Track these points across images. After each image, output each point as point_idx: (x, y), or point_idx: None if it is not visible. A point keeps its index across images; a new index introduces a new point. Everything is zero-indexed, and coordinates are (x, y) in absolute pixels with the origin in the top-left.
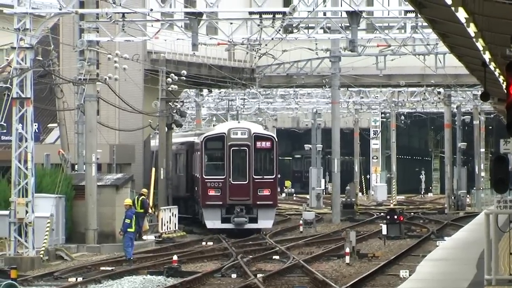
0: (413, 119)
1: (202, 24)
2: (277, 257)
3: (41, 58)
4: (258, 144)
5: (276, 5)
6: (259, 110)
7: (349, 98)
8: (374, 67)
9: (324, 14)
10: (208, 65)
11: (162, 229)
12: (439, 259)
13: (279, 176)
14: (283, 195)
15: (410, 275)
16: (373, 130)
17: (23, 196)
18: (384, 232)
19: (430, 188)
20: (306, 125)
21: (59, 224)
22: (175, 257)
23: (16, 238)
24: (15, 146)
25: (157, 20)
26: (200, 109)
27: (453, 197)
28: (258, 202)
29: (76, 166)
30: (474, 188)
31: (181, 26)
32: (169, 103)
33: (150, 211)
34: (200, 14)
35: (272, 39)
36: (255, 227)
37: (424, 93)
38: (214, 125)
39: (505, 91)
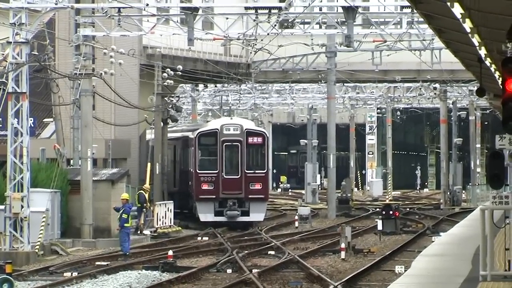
0: (409, 115)
1: (198, 19)
2: (272, 252)
3: (36, 53)
4: (250, 139)
5: (272, 0)
6: (254, 105)
7: (345, 93)
8: (370, 62)
9: (320, 9)
10: (204, 60)
11: (157, 224)
12: (434, 255)
13: (274, 171)
14: (279, 190)
15: (405, 270)
16: (369, 126)
17: (18, 191)
18: (380, 227)
19: (426, 183)
20: (302, 120)
21: (54, 219)
22: (170, 252)
23: (12, 233)
24: (11, 140)
25: (153, 15)
26: (195, 104)
27: (448, 193)
28: (250, 196)
29: (71, 161)
30: (470, 184)
31: (177, 21)
32: (165, 98)
33: (146, 205)
34: (196, 9)
35: (268, 34)
36: (247, 220)
37: (420, 88)
38: (207, 121)
39: (501, 86)
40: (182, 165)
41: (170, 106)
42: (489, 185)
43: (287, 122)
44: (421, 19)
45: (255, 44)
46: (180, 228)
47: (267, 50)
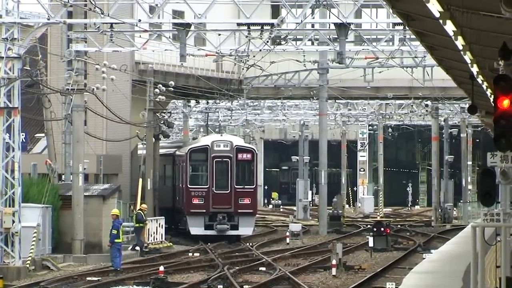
0: (401, 132)
1: (190, 35)
2: (263, 268)
3: (29, 68)
4: (240, 156)
5: (264, 17)
6: (246, 122)
7: (337, 110)
8: (362, 79)
9: (312, 26)
10: (196, 76)
11: (148, 240)
12: (425, 272)
13: (266, 187)
14: (270, 206)
15: (396, 287)
16: (361, 142)
17: (9, 206)
18: (371, 244)
19: (417, 200)
20: (294, 136)
21: (45, 234)
22: (161, 268)
23: (3, 248)
24: (2, 155)
25: (145, 31)
26: (187, 120)
27: (440, 210)
28: (239, 210)
29: (63, 176)
30: (461, 201)
31: (169, 37)
32: (157, 114)
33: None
34: (188, 25)
35: (260, 50)
36: (236, 233)
37: (412, 105)
38: (195, 138)
39: (493, 104)
40: (173, 180)
41: (162, 122)
42: (481, 203)
43: (279, 138)
44: (413, 36)
45: (247, 60)
46: (171, 243)
47: (259, 66)
